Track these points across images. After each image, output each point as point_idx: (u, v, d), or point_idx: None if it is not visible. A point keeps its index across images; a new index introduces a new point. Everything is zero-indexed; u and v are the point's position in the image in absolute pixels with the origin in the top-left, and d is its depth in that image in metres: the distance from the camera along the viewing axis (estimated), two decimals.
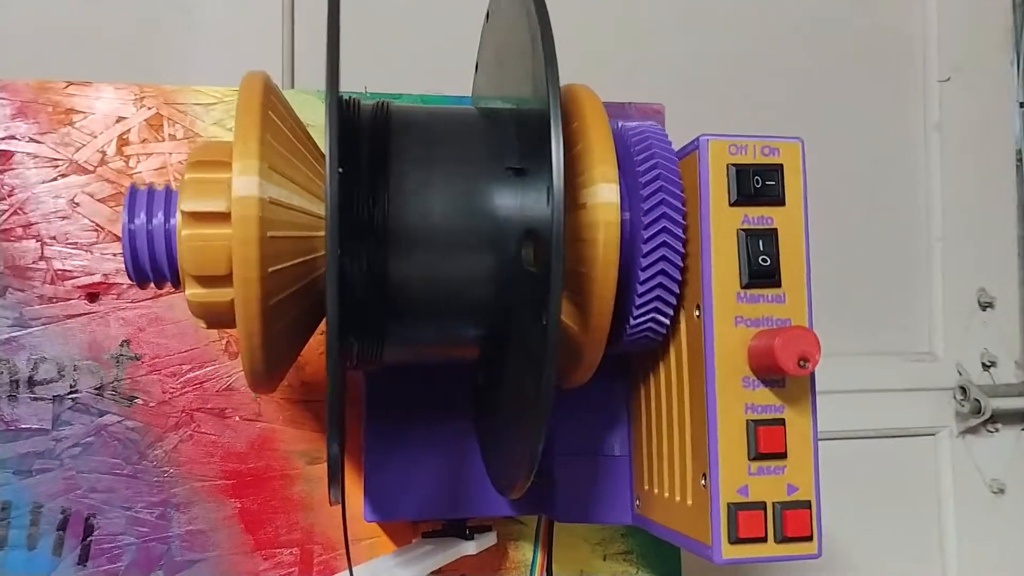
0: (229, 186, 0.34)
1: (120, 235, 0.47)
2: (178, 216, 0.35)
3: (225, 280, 0.34)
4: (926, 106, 0.90)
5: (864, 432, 0.87)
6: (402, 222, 0.35)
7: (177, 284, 0.37)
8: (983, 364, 0.90)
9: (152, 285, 0.38)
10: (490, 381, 0.41)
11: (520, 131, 0.37)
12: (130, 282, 0.48)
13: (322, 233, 0.35)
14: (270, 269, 0.33)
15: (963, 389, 0.88)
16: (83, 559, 0.49)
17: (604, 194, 0.35)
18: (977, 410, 0.86)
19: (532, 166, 0.35)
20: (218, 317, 0.36)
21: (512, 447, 0.37)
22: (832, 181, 0.89)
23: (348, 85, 0.53)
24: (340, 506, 0.38)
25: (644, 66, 0.81)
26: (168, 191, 0.37)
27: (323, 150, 0.38)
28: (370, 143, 0.37)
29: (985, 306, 0.90)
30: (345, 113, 0.37)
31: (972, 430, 0.89)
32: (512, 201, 0.36)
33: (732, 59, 0.87)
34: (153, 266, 0.36)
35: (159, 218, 0.36)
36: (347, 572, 0.43)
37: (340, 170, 0.30)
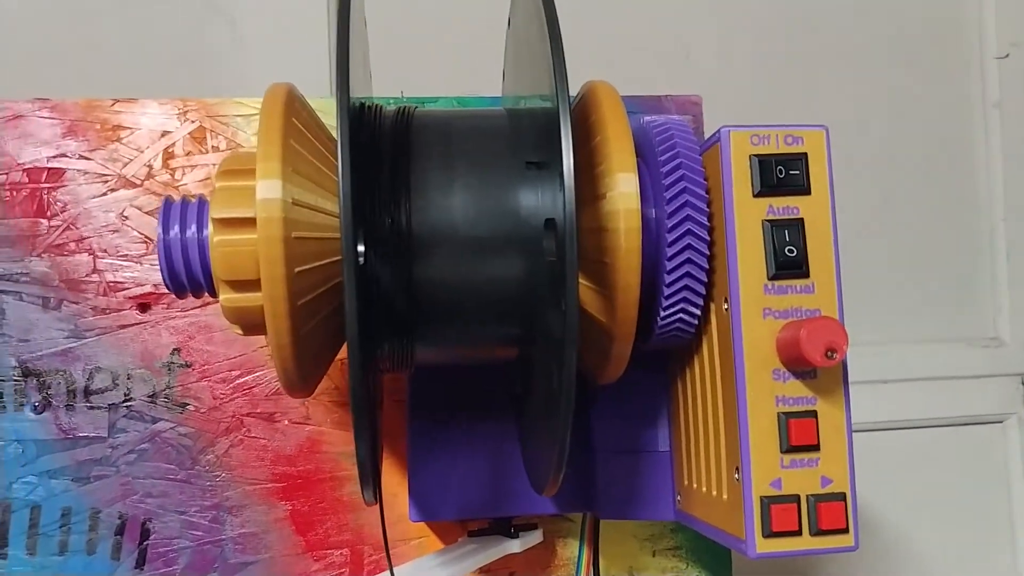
0: (254, 193, 0.35)
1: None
2: (210, 224, 0.37)
3: (255, 285, 0.35)
4: (985, 84, 0.87)
5: (931, 421, 0.85)
6: (425, 223, 0.36)
7: (213, 292, 0.38)
8: None
9: (190, 294, 0.39)
10: (523, 380, 0.41)
11: (538, 127, 0.37)
12: None
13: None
14: (296, 269, 0.34)
15: None
16: (140, 563, 0.50)
17: (622, 183, 0.35)
18: None
19: (550, 159, 0.35)
20: (252, 321, 0.37)
21: (543, 444, 0.37)
22: (892, 165, 0.87)
23: (385, 90, 0.54)
24: (370, 505, 0.38)
25: (684, 56, 0.81)
26: (201, 202, 0.38)
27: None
28: (392, 148, 0.37)
29: None
30: (366, 119, 0.38)
31: None
32: (532, 195, 0.36)
33: (783, 43, 0.85)
34: (189, 276, 0.38)
35: (192, 229, 0.37)
36: (388, 572, 0.44)
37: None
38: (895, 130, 0.85)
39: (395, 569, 0.44)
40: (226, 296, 0.36)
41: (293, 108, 0.37)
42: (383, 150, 0.37)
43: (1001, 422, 0.86)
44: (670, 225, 0.37)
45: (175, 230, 0.37)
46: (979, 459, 0.86)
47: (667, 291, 0.37)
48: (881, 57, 0.86)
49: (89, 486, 0.50)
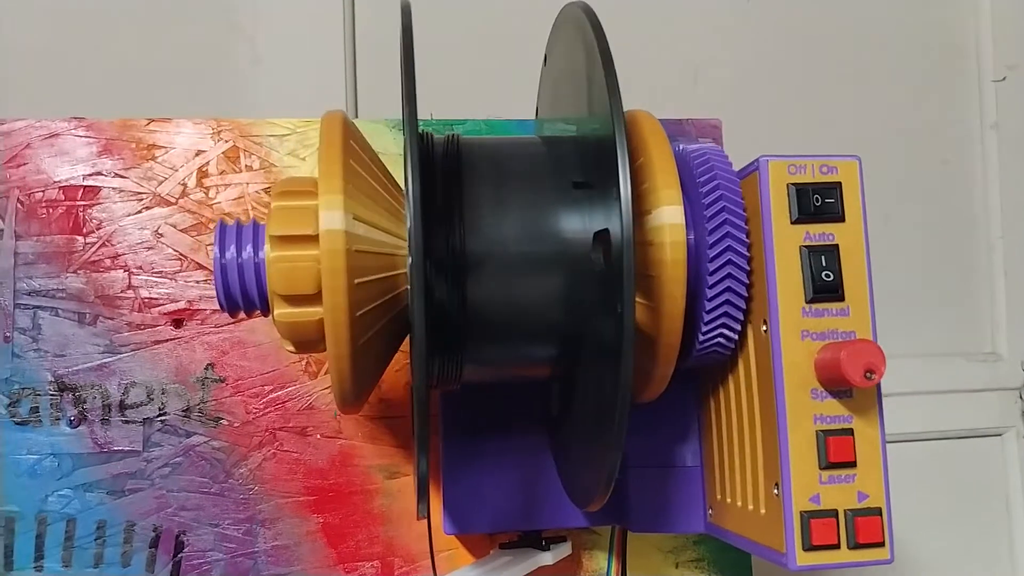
0: (313, 212, 0.36)
1: (211, 267, 0.50)
2: (267, 241, 0.38)
3: (312, 299, 0.36)
4: (982, 106, 0.90)
5: (930, 434, 0.87)
6: (478, 243, 0.37)
7: (266, 311, 0.39)
8: None
9: (242, 313, 0.40)
10: (565, 396, 0.42)
11: (582, 150, 0.38)
12: (213, 308, 0.51)
13: (403, 252, 0.37)
14: (356, 281, 0.35)
15: None
16: (175, 575, 0.51)
17: (667, 198, 0.37)
18: None
19: (597, 179, 0.36)
20: (305, 337, 0.38)
21: (589, 459, 0.39)
22: (891, 185, 0.89)
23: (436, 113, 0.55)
24: (420, 519, 0.39)
25: (695, 78, 0.82)
26: (255, 225, 0.39)
27: (396, 177, 0.40)
28: (444, 172, 0.39)
29: None
30: (421, 145, 0.39)
31: None
32: (579, 216, 0.38)
33: (784, 66, 0.87)
34: (244, 295, 0.39)
35: (248, 251, 0.38)
36: None
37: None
38: (896, 151, 0.87)
39: None
40: (281, 311, 0.37)
41: (350, 132, 0.38)
42: (436, 173, 0.38)
43: (1000, 435, 0.89)
44: (711, 251, 0.38)
45: (232, 251, 0.38)
46: (978, 472, 0.89)
47: (708, 312, 0.39)
48: (882, 80, 0.88)
49: (124, 499, 0.51)
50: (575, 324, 0.38)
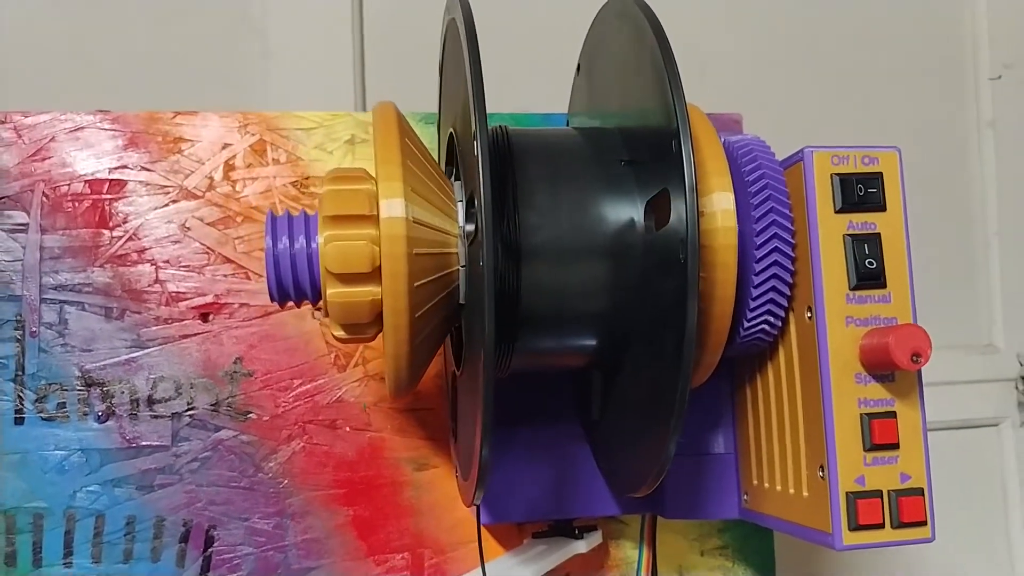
0: (367, 194, 0.37)
1: (238, 260, 0.50)
2: (320, 224, 0.38)
3: (366, 278, 0.37)
4: (979, 104, 0.92)
5: (931, 424, 0.88)
6: (533, 234, 0.38)
7: (316, 300, 0.40)
8: None
9: (291, 303, 0.40)
10: (611, 384, 0.43)
11: (635, 138, 0.39)
12: (241, 302, 0.51)
13: (454, 249, 0.38)
14: (416, 284, 0.36)
15: None
16: (205, 569, 0.51)
17: (719, 200, 0.38)
18: None
19: (642, 157, 0.37)
20: (358, 318, 0.38)
21: (642, 444, 0.39)
22: None
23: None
24: (472, 505, 0.40)
25: (701, 72, 0.83)
26: (306, 216, 0.39)
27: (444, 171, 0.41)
28: (498, 165, 0.39)
29: None
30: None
31: None
32: (630, 202, 0.39)
33: (785, 62, 0.88)
34: (296, 285, 0.39)
35: (301, 241, 0.38)
36: (476, 571, 0.45)
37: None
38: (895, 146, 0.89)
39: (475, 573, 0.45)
40: (335, 291, 0.37)
41: (404, 129, 0.39)
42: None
43: (996, 425, 0.91)
44: (758, 240, 0.39)
45: (284, 242, 0.38)
46: (976, 461, 0.90)
47: (753, 301, 0.40)
48: (881, 78, 0.90)
49: (153, 494, 0.51)
50: (628, 310, 0.39)
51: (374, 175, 0.39)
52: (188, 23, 0.75)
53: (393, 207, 0.36)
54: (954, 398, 0.89)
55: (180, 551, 0.51)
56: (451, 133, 0.42)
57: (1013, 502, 0.90)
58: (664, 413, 0.35)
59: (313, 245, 0.38)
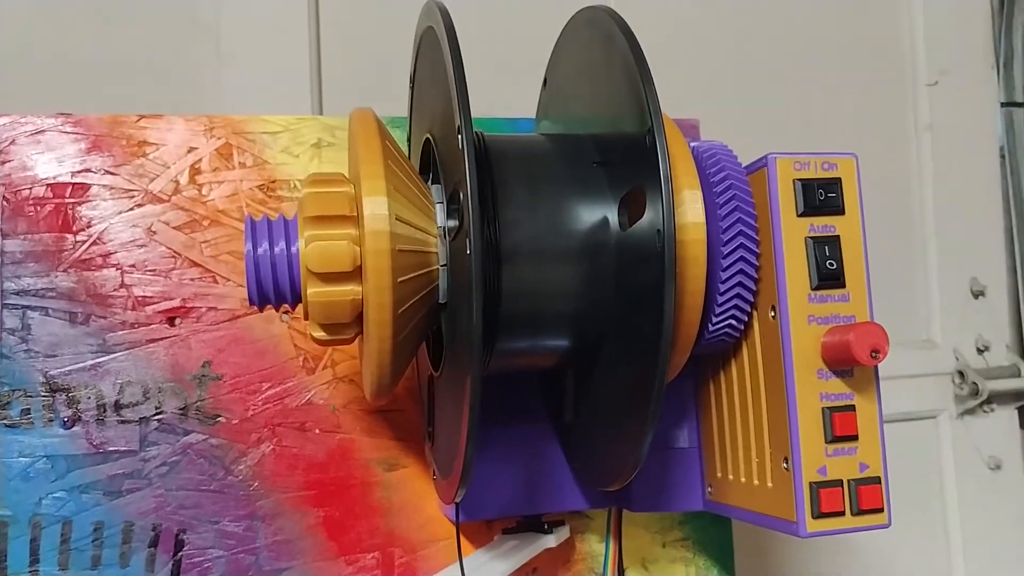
0: (347, 196, 0.38)
1: (206, 264, 0.50)
2: (300, 225, 0.38)
3: (347, 277, 0.38)
4: (916, 109, 0.96)
5: None
6: (512, 233, 0.39)
7: (295, 303, 0.40)
8: (977, 349, 0.96)
9: (270, 306, 0.41)
10: (586, 382, 0.44)
11: (599, 142, 0.41)
12: (209, 306, 0.51)
13: (434, 249, 0.39)
14: (399, 279, 0.37)
15: (961, 373, 0.93)
16: (175, 574, 0.51)
17: (689, 199, 0.39)
18: (974, 392, 0.91)
19: (615, 157, 0.39)
20: (339, 318, 0.39)
21: (618, 437, 0.40)
22: None
23: (402, 110, 0.56)
24: (452, 503, 0.41)
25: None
26: (284, 220, 0.40)
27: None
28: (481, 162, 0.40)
29: (977, 294, 0.96)
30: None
31: (970, 411, 0.94)
32: (604, 204, 0.40)
33: (724, 66, 0.91)
34: (276, 288, 0.39)
35: (281, 245, 0.39)
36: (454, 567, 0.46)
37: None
38: (837, 149, 0.92)
39: (453, 568, 0.46)
40: (315, 290, 0.38)
41: (383, 131, 0.39)
42: None
43: (935, 417, 0.94)
44: (724, 240, 0.41)
45: (264, 246, 0.39)
46: (914, 453, 0.94)
47: (720, 300, 0.41)
48: (824, 84, 0.93)
49: (121, 499, 0.50)
50: (606, 303, 0.40)
51: (350, 180, 0.40)
52: (139, 26, 0.74)
53: (377, 204, 0.37)
54: (894, 392, 0.92)
55: (149, 556, 0.51)
56: (427, 139, 0.43)
57: (950, 491, 0.94)
58: (641, 402, 0.37)
59: (293, 249, 0.39)
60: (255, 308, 0.41)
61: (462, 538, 0.53)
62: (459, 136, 0.34)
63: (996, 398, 0.94)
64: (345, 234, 0.37)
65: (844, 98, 0.93)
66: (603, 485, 0.43)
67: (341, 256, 0.37)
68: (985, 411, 0.95)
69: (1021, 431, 0.97)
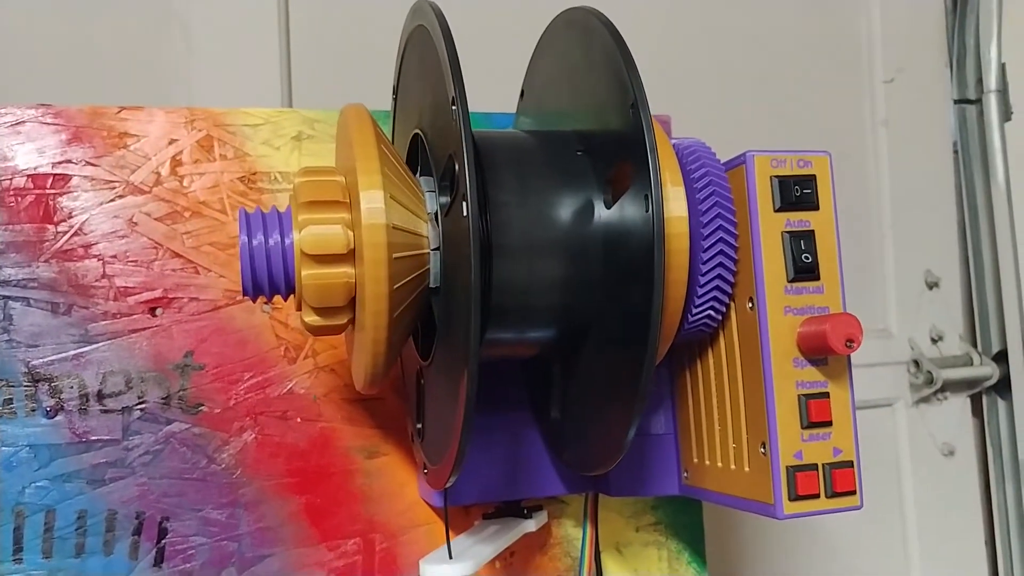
0: (339, 184, 0.40)
1: (187, 255, 0.50)
2: (294, 210, 0.39)
3: (340, 259, 0.39)
4: (873, 105, 0.99)
5: None
6: (503, 228, 0.40)
7: (289, 295, 0.41)
8: (932, 339, 0.99)
9: (263, 297, 0.41)
10: (573, 369, 0.45)
11: (582, 135, 0.42)
12: (191, 296, 0.52)
13: (425, 234, 0.40)
14: (394, 256, 0.38)
15: (916, 362, 0.97)
16: (159, 561, 0.51)
17: (673, 195, 0.41)
18: (929, 381, 0.95)
19: (597, 144, 0.41)
20: (333, 300, 0.40)
21: (605, 423, 0.42)
22: None
23: (382, 103, 0.57)
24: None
25: None
26: (277, 213, 0.41)
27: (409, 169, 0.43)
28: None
29: (932, 286, 0.99)
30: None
31: (925, 399, 0.97)
32: (590, 194, 0.41)
33: (688, 65, 0.93)
34: (270, 279, 0.40)
35: (275, 237, 0.40)
36: (434, 554, 0.47)
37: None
38: (797, 144, 0.94)
39: (441, 551, 0.47)
40: (310, 272, 0.39)
41: (374, 121, 0.40)
42: None
43: (891, 405, 0.98)
44: (705, 234, 0.42)
45: (259, 237, 0.40)
46: (872, 439, 0.97)
47: (700, 292, 0.43)
48: (784, 80, 0.95)
49: (104, 488, 0.51)
50: (594, 291, 0.41)
51: (341, 172, 0.41)
52: (109, 17, 0.74)
53: (371, 180, 0.38)
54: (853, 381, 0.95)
55: (133, 543, 0.51)
56: (415, 135, 0.44)
57: (906, 475, 0.98)
58: (630, 383, 0.38)
59: (288, 240, 0.40)
60: (239, 298, 0.42)
61: (438, 523, 0.55)
62: (452, 107, 0.35)
63: (949, 386, 0.97)
64: (339, 218, 0.39)
65: (805, 95, 0.96)
66: (589, 470, 0.44)
67: (336, 238, 0.38)
68: (939, 399, 0.98)
69: (973, 418, 1.01)
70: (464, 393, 0.35)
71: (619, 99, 0.39)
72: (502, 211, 0.40)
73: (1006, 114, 0.99)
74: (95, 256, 0.52)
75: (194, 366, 0.53)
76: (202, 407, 0.52)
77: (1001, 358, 1.00)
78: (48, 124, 0.52)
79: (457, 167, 0.36)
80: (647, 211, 0.37)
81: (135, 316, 0.52)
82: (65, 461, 0.50)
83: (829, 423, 0.42)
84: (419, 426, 0.47)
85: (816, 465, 0.42)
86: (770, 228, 0.43)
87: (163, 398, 0.52)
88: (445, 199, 0.39)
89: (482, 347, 0.43)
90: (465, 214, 0.34)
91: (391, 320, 0.38)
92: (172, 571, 0.51)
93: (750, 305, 0.43)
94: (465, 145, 0.34)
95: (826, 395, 0.42)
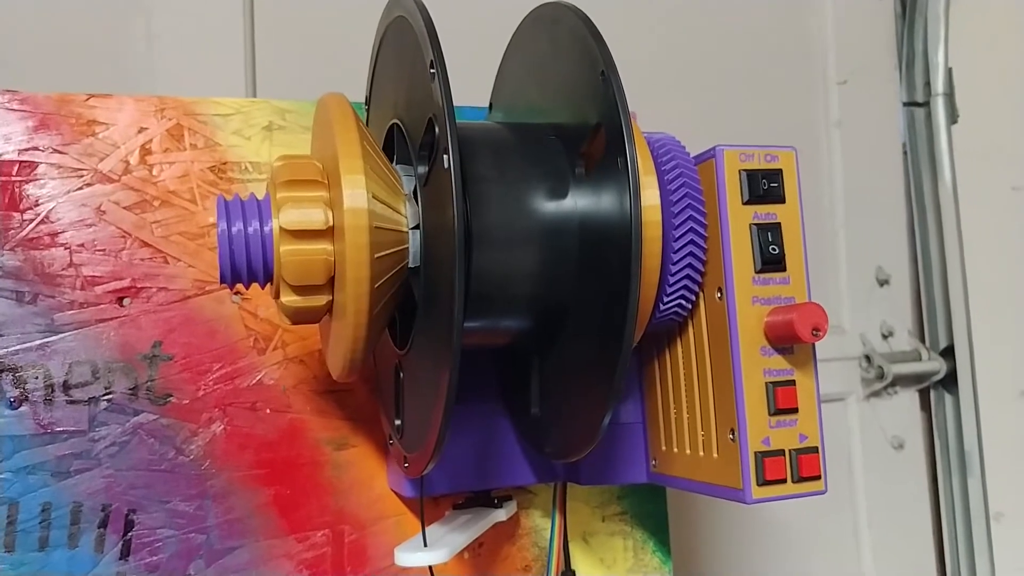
0: (317, 167, 0.40)
1: (156, 245, 0.50)
2: (273, 189, 0.40)
3: (320, 235, 0.39)
4: (827, 106, 1.01)
5: None
6: (483, 218, 0.41)
7: (267, 282, 0.41)
8: (882, 334, 1.02)
9: (240, 285, 0.41)
10: (548, 356, 0.46)
11: (556, 125, 0.43)
12: (160, 286, 0.51)
13: (405, 229, 0.40)
14: (374, 224, 0.38)
15: (867, 358, 0.99)
16: (125, 554, 0.51)
17: (647, 185, 0.42)
18: (880, 376, 0.97)
19: (570, 128, 0.42)
20: (313, 277, 0.40)
21: (580, 410, 0.43)
22: None
23: (357, 95, 0.57)
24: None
25: None
26: (256, 200, 0.41)
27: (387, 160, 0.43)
28: None
29: (882, 283, 1.02)
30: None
31: (875, 394, 1.00)
32: (575, 188, 0.43)
33: (647, 64, 0.94)
34: (248, 267, 0.40)
35: (254, 224, 0.40)
36: (409, 542, 0.47)
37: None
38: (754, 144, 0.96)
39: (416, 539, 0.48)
40: (288, 247, 0.39)
41: (355, 113, 0.41)
42: None
43: (843, 400, 1.00)
44: (676, 224, 0.43)
45: (238, 225, 0.40)
46: (825, 433, 0.99)
47: (671, 282, 0.44)
48: (742, 82, 0.97)
49: (70, 480, 0.50)
50: (569, 279, 0.42)
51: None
52: (71, 3, 0.73)
53: (354, 163, 0.38)
54: None
55: (99, 536, 0.51)
56: (393, 125, 0.44)
57: (857, 468, 1.00)
58: (606, 368, 0.39)
59: (267, 228, 0.40)
60: (208, 289, 0.42)
61: (411, 515, 0.55)
62: (431, 71, 0.36)
63: (899, 381, 1.00)
64: (318, 196, 0.39)
65: (762, 96, 0.98)
66: (564, 456, 0.45)
67: (314, 214, 0.39)
68: (889, 393, 1.01)
69: (922, 412, 1.04)
70: (450, 357, 0.36)
71: (589, 73, 0.40)
72: (481, 185, 0.41)
73: (953, 116, 1.02)
74: (62, 245, 0.51)
75: (162, 356, 0.52)
76: (170, 398, 0.52)
77: (948, 353, 1.03)
78: (14, 111, 0.51)
79: (437, 128, 0.36)
80: (620, 168, 0.38)
81: (102, 306, 0.52)
82: (30, 453, 0.50)
83: (795, 410, 0.44)
84: (398, 423, 0.47)
85: (783, 451, 0.43)
86: (738, 220, 0.44)
87: (131, 389, 0.52)
88: (424, 168, 0.40)
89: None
90: (447, 166, 0.35)
91: (372, 300, 0.39)
92: (139, 564, 0.51)
93: (719, 295, 0.44)
94: (445, 102, 0.35)
95: (792, 383, 0.44)
